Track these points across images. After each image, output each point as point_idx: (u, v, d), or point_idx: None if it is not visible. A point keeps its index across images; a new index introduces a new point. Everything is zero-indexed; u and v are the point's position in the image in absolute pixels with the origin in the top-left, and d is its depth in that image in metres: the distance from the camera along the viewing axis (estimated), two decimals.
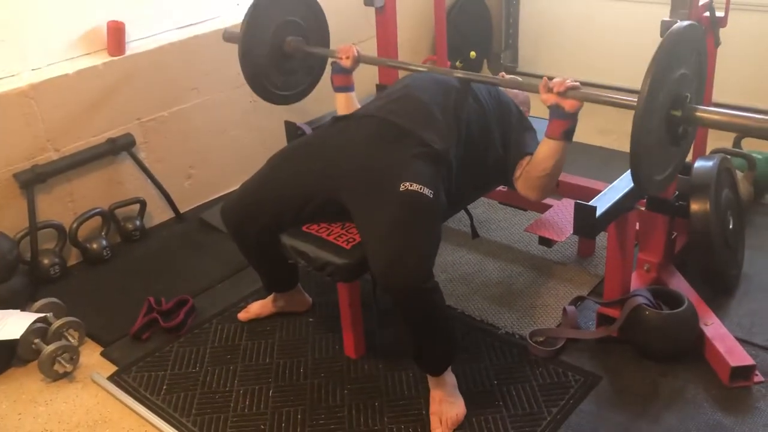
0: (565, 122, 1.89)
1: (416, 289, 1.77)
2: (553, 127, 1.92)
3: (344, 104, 2.41)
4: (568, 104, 1.87)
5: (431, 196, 1.85)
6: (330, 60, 2.50)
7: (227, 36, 2.63)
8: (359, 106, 2.40)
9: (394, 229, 1.80)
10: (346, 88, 2.41)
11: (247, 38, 2.43)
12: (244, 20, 2.42)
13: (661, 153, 1.73)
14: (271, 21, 2.48)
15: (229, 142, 3.22)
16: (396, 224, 1.81)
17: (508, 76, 2.34)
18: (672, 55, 1.63)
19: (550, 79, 1.89)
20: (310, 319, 2.37)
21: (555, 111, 1.90)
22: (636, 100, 1.61)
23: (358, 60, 2.37)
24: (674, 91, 1.67)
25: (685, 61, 1.69)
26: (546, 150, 1.95)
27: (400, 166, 1.90)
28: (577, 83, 1.87)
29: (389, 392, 2.04)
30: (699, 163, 2.30)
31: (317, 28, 2.63)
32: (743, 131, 1.72)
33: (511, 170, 2.09)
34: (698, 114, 1.68)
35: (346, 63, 2.36)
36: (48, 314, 2.33)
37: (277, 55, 2.53)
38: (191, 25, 3.06)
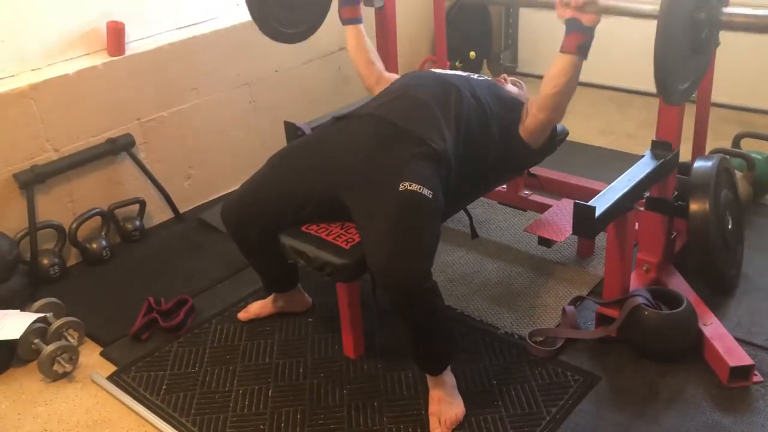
0: (581, 35, 1.88)
1: (415, 289, 1.77)
2: (569, 40, 1.91)
3: (354, 37, 2.42)
4: (585, 18, 1.86)
5: (430, 195, 1.85)
6: None
7: None
8: (368, 40, 2.42)
9: (393, 229, 1.80)
10: (354, 19, 2.42)
11: None
12: None
13: (684, 60, 1.72)
14: None
15: (229, 142, 3.22)
16: (395, 223, 1.81)
17: (510, 78, 2.35)
18: None
19: None
20: (310, 319, 2.38)
21: (572, 24, 1.89)
22: (659, 8, 1.59)
23: None
24: None
25: None
26: (560, 65, 1.94)
27: (399, 165, 1.90)
28: None
29: (388, 392, 2.05)
30: (698, 163, 2.30)
31: None
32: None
33: (518, 121, 2.10)
34: (723, 17, 1.67)
35: None
36: (48, 314, 2.33)
37: None
38: (191, 25, 3.06)
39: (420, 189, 1.84)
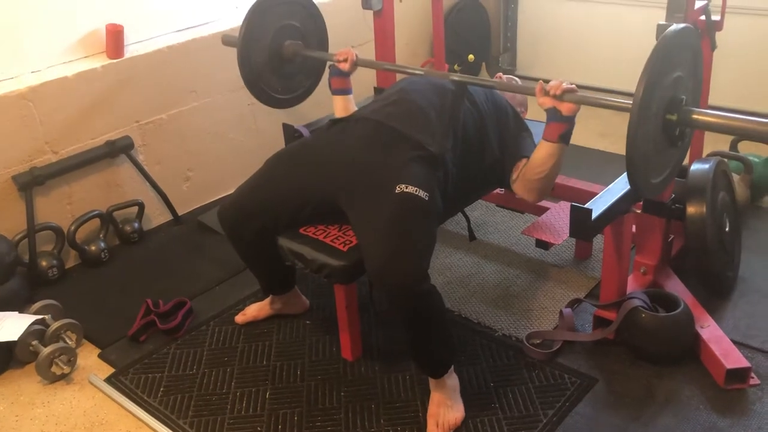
0: (562, 125, 1.90)
1: (411, 290, 1.77)
2: (550, 130, 1.92)
3: (342, 107, 2.42)
4: (565, 108, 1.87)
5: (426, 198, 1.85)
6: (328, 63, 2.51)
7: (226, 40, 2.64)
8: (356, 109, 2.41)
9: (389, 230, 1.81)
10: (344, 90, 2.42)
11: (245, 42, 2.44)
12: (242, 25, 2.43)
13: (658, 156, 1.74)
14: (269, 25, 2.49)
15: (227, 144, 3.23)
16: (391, 225, 1.81)
17: (505, 77, 2.36)
18: (666, 58, 1.64)
19: (546, 82, 1.89)
20: (307, 322, 2.38)
21: (552, 114, 1.90)
22: (631, 102, 1.61)
23: (356, 63, 2.38)
24: (669, 94, 1.68)
25: (679, 63, 1.70)
26: (543, 153, 1.96)
27: (396, 168, 1.91)
28: (574, 86, 1.88)
29: (386, 394, 2.05)
30: (695, 166, 2.30)
31: (315, 31, 2.64)
32: (740, 134, 1.72)
33: (508, 172, 2.10)
34: (694, 116, 1.68)
35: (344, 66, 2.37)
36: (46, 316, 2.33)
37: (276, 59, 2.54)
38: (190, 28, 3.07)
39: (416, 191, 1.85)
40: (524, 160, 2.06)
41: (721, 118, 1.67)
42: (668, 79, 1.66)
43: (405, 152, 1.94)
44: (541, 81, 1.92)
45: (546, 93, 1.88)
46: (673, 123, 1.69)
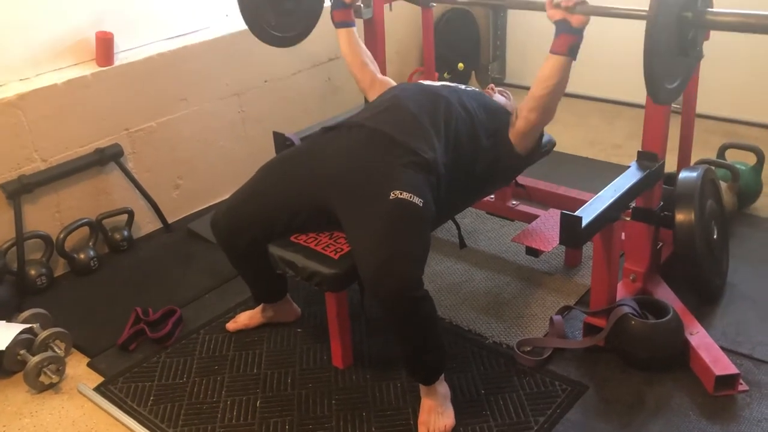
0: (572, 36, 1.93)
1: (406, 297, 1.77)
2: (559, 42, 1.95)
3: (346, 41, 2.44)
4: (575, 19, 1.91)
5: (421, 204, 1.86)
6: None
7: None
8: (361, 43, 2.45)
9: (383, 237, 1.81)
10: (346, 23, 2.44)
11: None
12: None
13: (671, 60, 1.77)
14: None
15: (218, 152, 3.22)
16: (385, 232, 1.81)
17: (497, 89, 2.38)
18: None
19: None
20: (298, 330, 2.37)
21: (562, 25, 1.93)
22: (647, 9, 1.64)
23: None
24: None
25: None
26: (551, 66, 1.98)
27: (389, 174, 1.91)
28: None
29: (377, 402, 2.05)
30: (684, 174, 2.32)
31: None
32: (753, 29, 1.76)
33: (507, 127, 2.13)
34: (708, 16, 1.72)
35: None
36: (34, 325, 2.31)
37: None
38: (180, 36, 3.06)
39: (411, 197, 1.85)
40: (521, 103, 2.10)
41: (733, 16, 1.71)
42: None
43: (399, 158, 1.95)
44: None
45: (557, 5, 1.91)
46: (688, 21, 1.72)
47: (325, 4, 2.67)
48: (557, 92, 2.02)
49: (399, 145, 1.97)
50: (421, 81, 2.33)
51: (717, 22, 1.74)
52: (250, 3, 2.46)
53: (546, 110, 2.07)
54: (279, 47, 2.66)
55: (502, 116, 2.21)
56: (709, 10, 1.75)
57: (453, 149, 2.05)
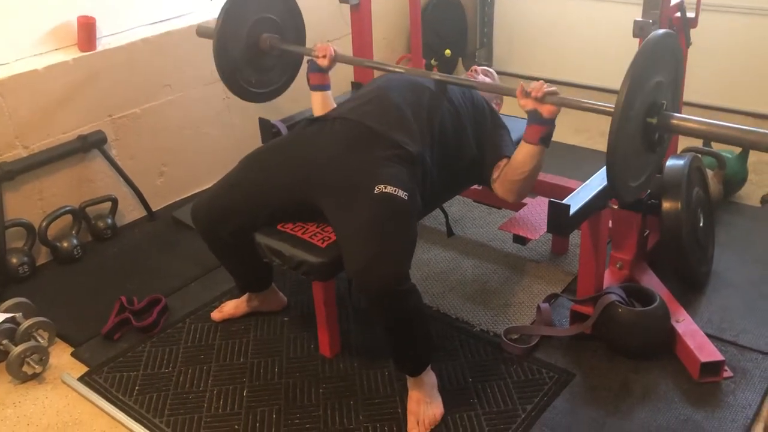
0: (542, 128, 1.92)
1: (393, 291, 1.76)
2: (531, 132, 1.94)
3: (320, 103, 2.40)
4: (546, 110, 1.89)
5: (406, 198, 1.85)
6: (306, 58, 2.49)
7: (201, 31, 2.60)
8: (335, 105, 2.39)
9: (369, 232, 1.80)
10: (322, 86, 2.40)
11: (222, 34, 2.41)
12: (219, 15, 2.40)
13: (636, 160, 1.76)
14: (246, 17, 2.46)
15: (203, 139, 3.19)
16: (371, 226, 1.80)
17: (480, 69, 2.35)
18: (649, 63, 1.66)
19: (532, 80, 1.90)
20: (285, 318, 2.36)
21: (533, 116, 1.91)
22: (613, 106, 1.62)
23: (335, 59, 2.36)
24: (650, 98, 1.70)
25: (661, 68, 1.72)
26: (524, 154, 1.97)
27: (374, 168, 1.90)
28: (555, 88, 1.88)
29: (364, 391, 2.04)
30: (670, 162, 2.32)
31: (293, 25, 2.62)
32: (717, 140, 1.77)
33: (489, 171, 2.10)
34: (674, 122, 1.71)
35: (323, 62, 2.34)
36: (17, 314, 2.28)
37: (252, 52, 2.52)
38: (164, 20, 3.02)
39: (395, 191, 1.84)
40: (505, 160, 2.06)
41: (699, 124, 1.69)
42: (650, 84, 1.68)
43: (383, 151, 1.93)
44: (522, 83, 1.92)
45: (527, 95, 1.89)
46: (653, 126, 1.71)
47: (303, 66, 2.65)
48: (532, 177, 2.02)
49: (383, 138, 1.96)
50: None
51: (682, 128, 1.71)
52: (229, 64, 2.47)
53: (522, 192, 2.08)
54: (255, 102, 2.67)
55: (486, 114, 2.19)
56: (675, 115, 1.71)
57: (438, 142, 2.04)
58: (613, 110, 1.62)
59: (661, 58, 1.72)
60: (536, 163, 1.97)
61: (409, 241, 1.86)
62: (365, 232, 1.80)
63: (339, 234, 1.89)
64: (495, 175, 2.08)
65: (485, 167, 2.10)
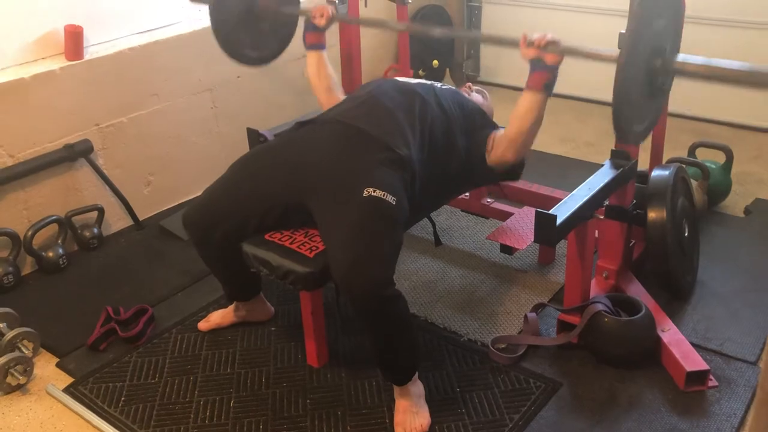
0: (546, 74, 1.94)
1: (376, 296, 1.76)
2: (534, 79, 1.96)
3: (315, 62, 2.44)
4: (549, 58, 1.92)
5: (394, 202, 1.85)
6: (303, 17, 2.50)
7: None
8: (329, 67, 2.45)
9: (354, 235, 1.80)
10: (318, 45, 2.44)
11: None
12: None
13: (640, 104, 1.80)
14: None
15: (190, 148, 3.18)
16: (357, 229, 1.81)
17: (474, 87, 2.39)
18: (651, 5, 1.70)
19: (531, 34, 1.94)
20: (272, 328, 2.35)
21: (536, 63, 1.94)
22: (617, 52, 1.68)
23: (333, 19, 2.40)
24: (654, 41, 1.74)
25: (663, 12, 1.76)
26: (527, 103, 1.99)
27: (364, 171, 1.90)
28: (557, 38, 1.91)
29: (352, 401, 2.04)
30: (655, 173, 2.35)
31: None
32: (723, 80, 1.82)
33: (482, 147, 2.12)
34: (677, 64, 1.76)
35: (320, 22, 2.39)
36: (1, 325, 2.26)
37: (248, 14, 2.49)
38: (151, 30, 3.02)
39: (384, 195, 1.84)
40: (496, 132, 2.10)
41: (701, 66, 1.75)
42: (653, 27, 1.72)
43: (373, 155, 1.94)
44: (525, 32, 1.94)
45: (530, 44, 1.92)
46: (657, 69, 1.76)
47: (298, 25, 2.66)
48: (533, 131, 2.02)
49: (374, 141, 1.96)
50: (397, 78, 2.32)
51: (685, 69, 1.77)
52: (225, 25, 2.46)
53: (523, 148, 2.08)
54: (252, 66, 2.67)
55: (477, 117, 2.22)
56: (677, 59, 1.77)
57: (428, 146, 2.05)
58: (617, 55, 1.66)
59: (663, 1, 1.76)
60: (538, 114, 1.98)
61: (394, 246, 1.86)
62: (351, 235, 1.80)
63: (325, 235, 1.89)
64: (489, 146, 2.11)
65: (477, 147, 2.12)
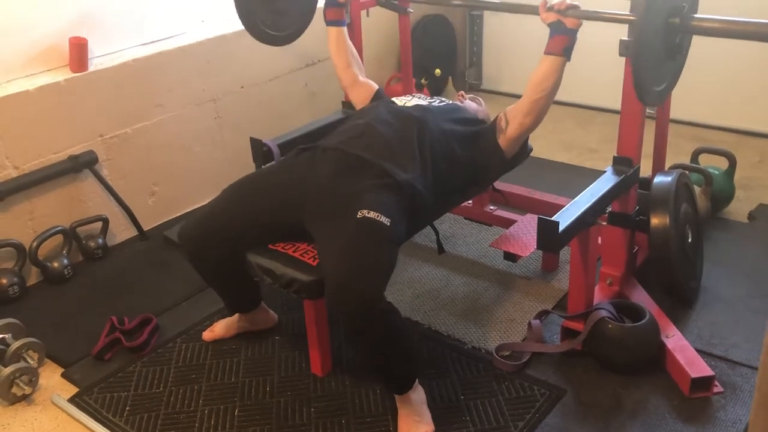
0: (566, 37, 1.99)
1: (364, 312, 1.76)
2: (554, 42, 2.01)
3: (335, 38, 2.50)
4: (569, 21, 1.97)
5: (388, 223, 1.86)
6: None
7: None
8: (350, 43, 2.51)
9: (345, 254, 1.81)
10: (338, 21, 2.50)
11: None
12: None
13: (658, 64, 1.87)
14: None
15: (194, 158, 3.20)
16: (348, 249, 1.82)
17: (468, 96, 2.42)
18: None
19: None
20: (276, 337, 2.36)
21: (556, 27, 1.99)
22: (635, 13, 1.75)
23: None
24: (671, 1, 1.81)
25: None
26: (547, 67, 2.03)
27: (360, 194, 1.92)
28: (577, 3, 1.96)
29: (356, 409, 2.04)
30: (658, 179, 2.35)
31: None
32: (737, 35, 1.87)
33: (492, 138, 2.16)
34: (694, 22, 1.82)
35: None
36: (6, 335, 2.27)
37: None
38: (155, 41, 3.04)
39: (378, 216, 1.85)
40: (501, 112, 2.15)
41: (718, 23, 1.80)
42: None
43: (371, 180, 1.96)
44: None
45: (550, 9, 1.98)
46: (676, 27, 1.81)
47: (318, 4, 2.70)
48: (552, 94, 2.07)
49: (372, 166, 1.99)
50: (395, 99, 2.34)
51: (703, 27, 1.83)
52: (245, 4, 2.48)
53: (541, 113, 2.12)
54: (274, 45, 2.68)
55: (474, 125, 2.25)
56: (695, 16, 1.84)
57: (431, 168, 2.07)
58: (635, 14, 1.72)
59: None
60: (557, 77, 2.04)
61: (385, 264, 1.86)
62: (342, 254, 1.81)
63: (321, 256, 1.91)
64: (501, 125, 2.15)
65: (486, 144, 2.17)
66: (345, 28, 2.52)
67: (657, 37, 1.82)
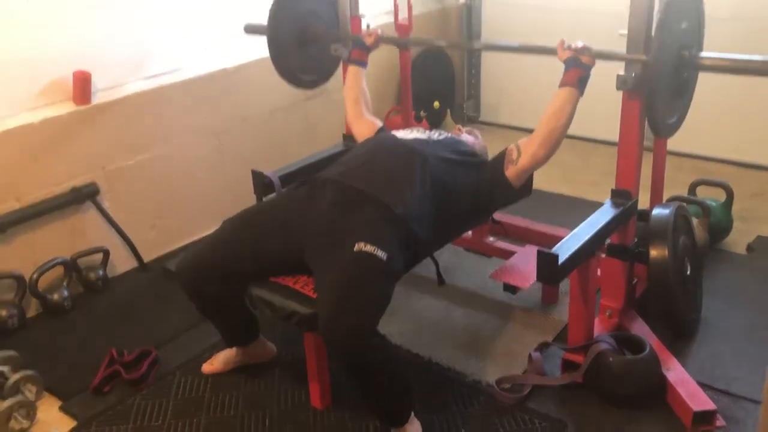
0: (581, 70, 2.09)
1: (355, 347, 1.76)
2: (569, 75, 2.10)
3: (353, 75, 2.63)
4: (584, 58, 2.10)
5: (384, 257, 1.86)
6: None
7: (249, 28, 2.77)
8: (363, 82, 2.63)
9: (340, 288, 1.81)
10: (360, 62, 2.65)
11: (274, 22, 2.60)
12: (271, 7, 2.59)
13: (669, 99, 2.10)
14: (295, 9, 2.68)
15: (195, 190, 3.21)
16: (343, 283, 1.82)
17: (465, 129, 2.46)
18: (675, 9, 1.98)
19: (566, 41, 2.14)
20: (276, 370, 2.35)
21: (572, 61, 2.10)
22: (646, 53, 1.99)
23: (380, 40, 2.64)
24: (680, 39, 2.04)
25: (686, 16, 2.07)
26: (562, 98, 2.10)
27: (358, 227, 1.92)
28: (590, 46, 2.10)
29: None
30: (657, 211, 2.36)
31: (334, 17, 2.84)
32: (743, 72, 2.10)
33: (500, 170, 2.19)
34: (701, 61, 2.06)
35: (369, 40, 2.62)
36: (4, 368, 2.26)
37: (301, 41, 2.72)
38: (158, 75, 3.07)
39: (374, 250, 1.86)
40: (511, 145, 2.20)
41: (723, 61, 2.04)
42: (679, 27, 2.03)
43: (369, 213, 1.97)
44: (562, 38, 2.14)
45: (567, 48, 2.11)
46: (686, 61, 2.05)
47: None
48: (566, 126, 2.12)
49: (370, 200, 1.99)
50: (395, 132, 2.36)
51: (709, 63, 2.07)
52: (280, 51, 2.66)
53: (555, 145, 2.14)
54: (304, 89, 2.89)
55: (474, 157, 2.28)
56: (703, 54, 2.08)
57: (432, 202, 2.08)
58: (647, 53, 1.98)
59: (685, 5, 2.06)
60: (572, 109, 2.09)
61: (379, 298, 1.86)
62: (337, 288, 1.81)
63: (317, 290, 1.91)
64: (513, 156, 2.18)
65: (495, 174, 2.20)
66: (364, 71, 2.64)
67: (668, 72, 2.00)
